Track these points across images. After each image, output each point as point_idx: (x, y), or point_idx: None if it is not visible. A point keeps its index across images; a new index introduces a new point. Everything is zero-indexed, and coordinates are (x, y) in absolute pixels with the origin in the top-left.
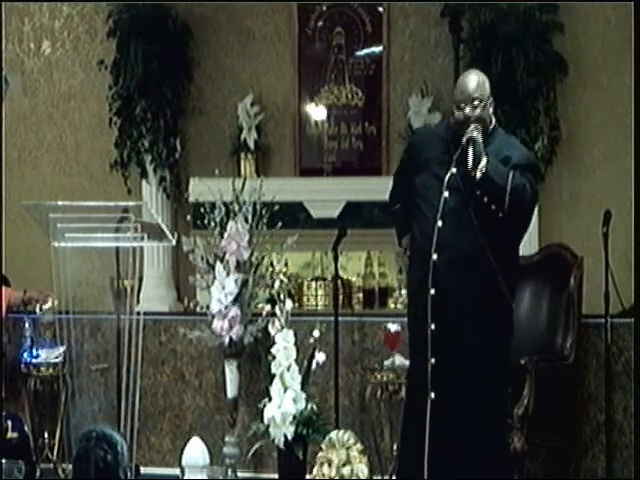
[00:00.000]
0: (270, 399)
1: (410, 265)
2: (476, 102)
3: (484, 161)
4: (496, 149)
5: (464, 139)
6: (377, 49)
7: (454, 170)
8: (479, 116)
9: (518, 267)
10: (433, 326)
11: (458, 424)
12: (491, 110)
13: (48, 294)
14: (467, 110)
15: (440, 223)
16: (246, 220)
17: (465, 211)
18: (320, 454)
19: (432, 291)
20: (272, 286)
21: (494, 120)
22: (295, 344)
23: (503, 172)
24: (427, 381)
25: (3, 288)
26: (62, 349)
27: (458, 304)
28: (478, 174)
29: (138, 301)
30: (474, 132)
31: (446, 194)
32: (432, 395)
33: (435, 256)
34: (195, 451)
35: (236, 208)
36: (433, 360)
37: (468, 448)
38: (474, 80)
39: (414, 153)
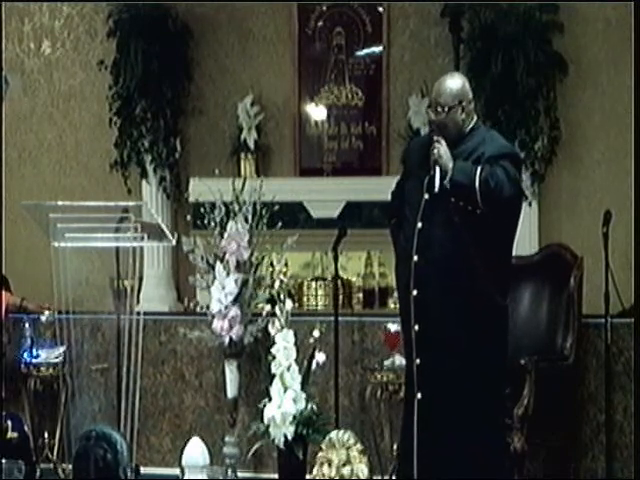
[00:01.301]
0: (270, 399)
1: (396, 268)
2: (439, 108)
3: (450, 171)
4: (472, 147)
5: (431, 160)
6: (377, 49)
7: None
8: (441, 121)
9: (510, 266)
10: (417, 327)
11: (445, 423)
12: (463, 116)
13: (47, 306)
14: (431, 115)
15: (420, 225)
16: (246, 220)
17: (445, 212)
18: (320, 454)
19: (414, 292)
20: (272, 286)
21: (474, 119)
22: (295, 344)
23: (470, 171)
24: (414, 381)
25: (3, 292)
26: (62, 349)
27: (440, 304)
28: (446, 185)
29: (138, 301)
30: (434, 150)
31: (426, 196)
32: (419, 395)
33: (416, 257)
34: (195, 451)
35: (236, 208)
36: (418, 360)
37: (457, 447)
38: (443, 86)
39: (406, 164)
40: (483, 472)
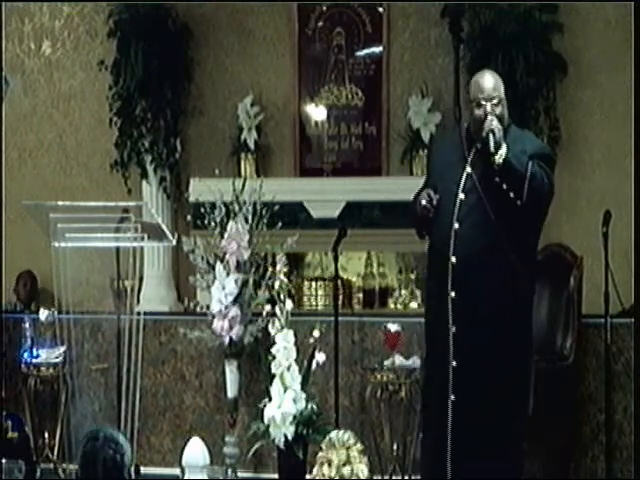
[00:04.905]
0: (270, 399)
1: (429, 269)
2: (495, 100)
3: (504, 148)
4: (512, 143)
5: (484, 130)
6: (377, 49)
7: (469, 170)
8: (499, 114)
9: (537, 260)
10: (454, 329)
11: (479, 425)
12: (505, 110)
13: None
14: (488, 107)
15: (457, 225)
16: (246, 220)
17: (482, 211)
18: (320, 454)
19: (452, 294)
20: (272, 286)
21: (507, 118)
22: (295, 344)
23: (523, 159)
24: (448, 383)
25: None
26: (62, 349)
27: (479, 306)
28: (499, 160)
29: (138, 301)
30: (493, 122)
31: (462, 196)
32: (452, 397)
33: (454, 259)
34: (195, 451)
35: (236, 208)
36: (454, 363)
37: (490, 448)
38: (493, 79)
39: (432, 161)
40: (511, 474)
